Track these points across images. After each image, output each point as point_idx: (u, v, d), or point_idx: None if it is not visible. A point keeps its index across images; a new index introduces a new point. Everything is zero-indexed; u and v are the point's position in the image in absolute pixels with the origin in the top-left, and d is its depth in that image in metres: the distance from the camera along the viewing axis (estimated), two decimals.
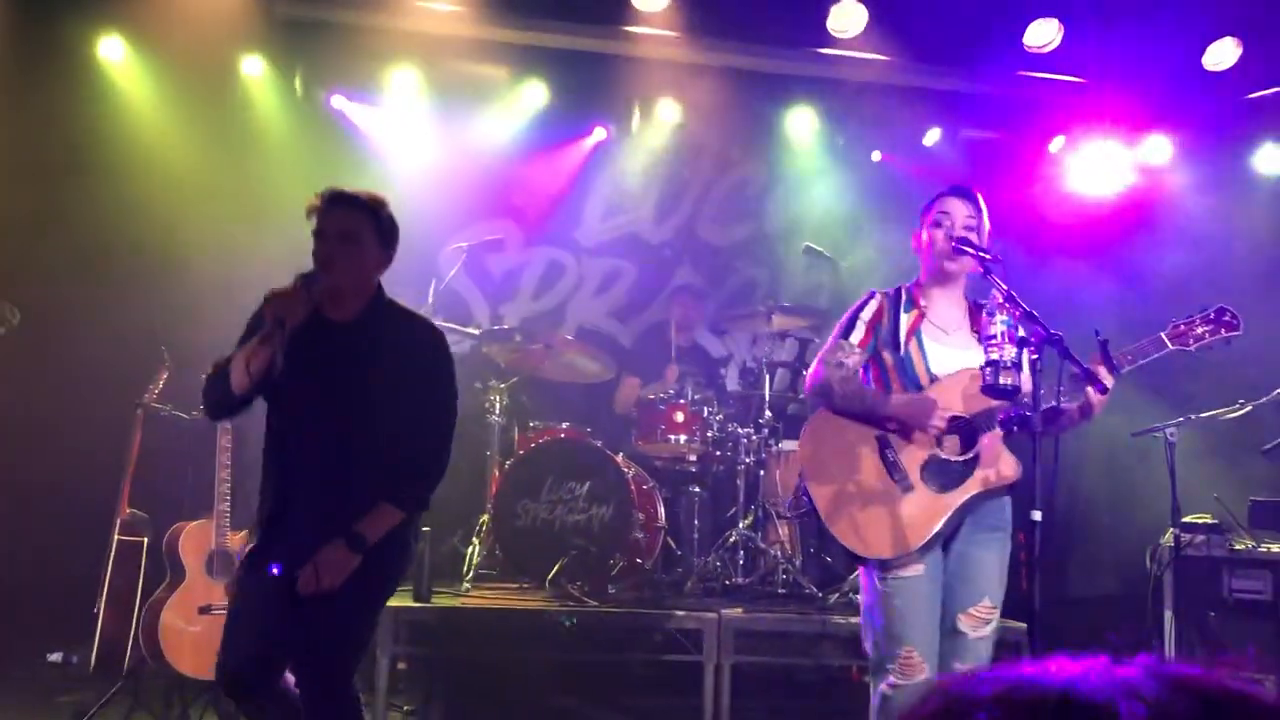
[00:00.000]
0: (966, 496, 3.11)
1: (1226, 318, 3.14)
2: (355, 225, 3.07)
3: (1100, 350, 3.05)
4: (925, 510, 3.11)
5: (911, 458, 3.14)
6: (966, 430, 3.14)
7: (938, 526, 3.10)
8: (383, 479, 3.06)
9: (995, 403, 3.06)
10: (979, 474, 3.12)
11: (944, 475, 3.13)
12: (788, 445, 5.92)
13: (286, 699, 3.11)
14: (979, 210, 3.29)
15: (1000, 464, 3.12)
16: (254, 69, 6.48)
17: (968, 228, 3.24)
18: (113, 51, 6.21)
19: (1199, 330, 3.14)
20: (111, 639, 4.75)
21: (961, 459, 3.13)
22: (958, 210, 3.27)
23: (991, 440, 3.13)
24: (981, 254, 3.10)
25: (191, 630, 4.59)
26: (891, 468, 3.15)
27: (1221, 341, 3.13)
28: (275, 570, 3.03)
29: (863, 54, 6.64)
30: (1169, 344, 3.14)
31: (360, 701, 3.13)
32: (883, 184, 7.38)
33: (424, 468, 3.15)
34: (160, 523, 4.86)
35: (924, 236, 3.33)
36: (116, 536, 4.84)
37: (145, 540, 4.88)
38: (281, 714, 3.11)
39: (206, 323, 5.85)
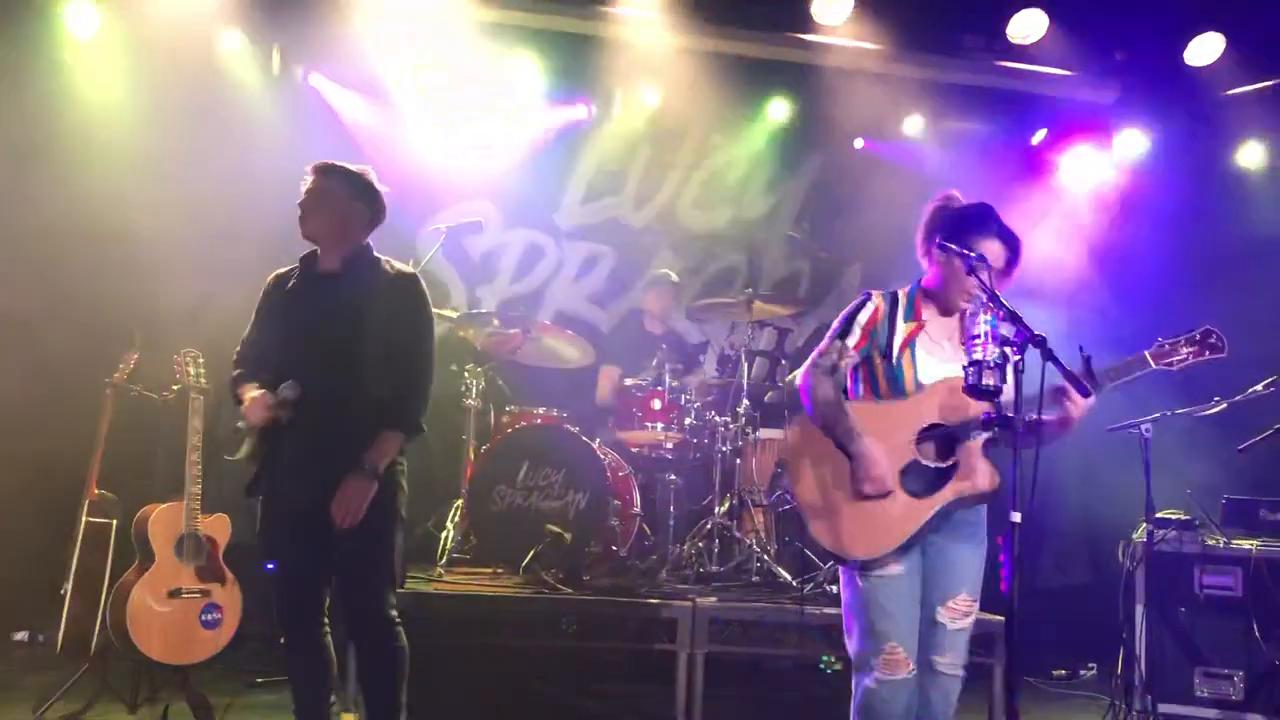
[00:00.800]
0: (943, 503, 3.12)
1: (1212, 340, 3.12)
2: (326, 184, 3.57)
3: (1083, 366, 3.04)
4: (902, 514, 3.12)
5: (892, 462, 3.14)
6: (946, 439, 3.15)
7: (914, 530, 3.11)
8: (372, 411, 3.46)
9: (975, 413, 3.05)
10: (956, 482, 3.12)
11: (922, 481, 3.13)
12: (765, 433, 5.91)
13: (323, 653, 3.60)
14: (1017, 261, 3.22)
15: (977, 474, 3.12)
16: (232, 44, 6.38)
17: (1002, 275, 3.17)
18: (81, 22, 6.07)
19: (1183, 351, 3.11)
20: (79, 620, 4.67)
21: (940, 466, 3.13)
22: (996, 255, 3.15)
23: (971, 450, 3.13)
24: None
25: (160, 613, 4.53)
26: None
27: (1205, 363, 3.12)
28: (270, 568, 3.49)
29: (846, 41, 6.62)
30: (1152, 363, 3.12)
31: (398, 622, 3.56)
32: (864, 172, 7.37)
33: (412, 392, 3.54)
34: (130, 504, 4.78)
35: (951, 267, 3.19)
36: (84, 518, 4.76)
37: (114, 522, 4.80)
38: (319, 665, 3.60)
39: (177, 302, 5.81)
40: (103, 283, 5.63)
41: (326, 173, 3.60)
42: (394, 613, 3.57)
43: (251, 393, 3.49)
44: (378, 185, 3.66)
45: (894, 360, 3.22)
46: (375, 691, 3.61)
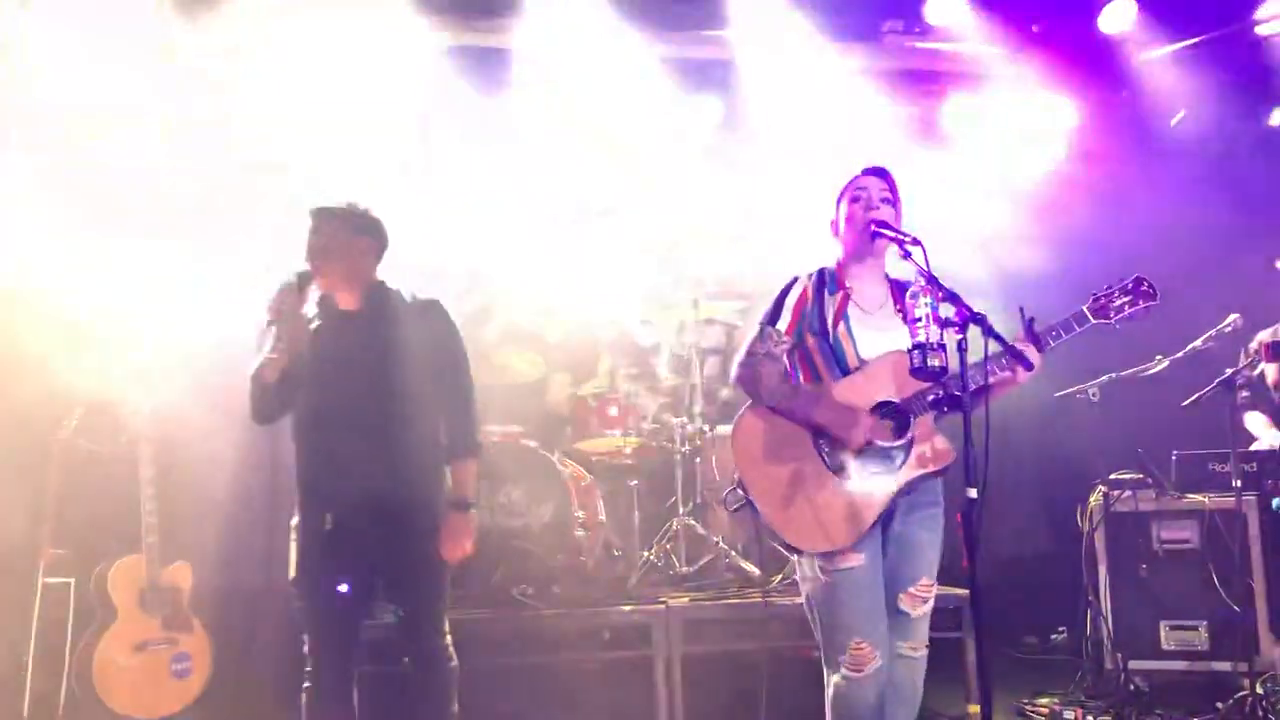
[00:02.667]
0: (902, 482, 3.11)
1: (1144, 288, 3.17)
2: (331, 232, 3.55)
3: (1025, 328, 3.07)
4: (861, 500, 3.10)
5: (852, 439, 3.11)
6: (899, 415, 3.14)
7: (875, 516, 3.09)
8: (427, 443, 3.59)
9: (924, 385, 3.07)
10: (914, 457, 3.12)
11: (879, 462, 3.12)
12: (723, 430, 5.92)
13: (352, 704, 3.65)
14: (894, 189, 3.30)
15: (934, 447, 3.13)
16: None
17: (884, 200, 3.25)
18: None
19: (1118, 302, 3.16)
20: (43, 687, 4.59)
21: (896, 444, 3.12)
22: (873, 187, 3.27)
23: (924, 423, 3.13)
24: (900, 236, 3.09)
25: (127, 667, 4.47)
26: (826, 458, 3.14)
27: (1141, 311, 3.16)
28: (346, 588, 3.47)
29: (769, 35, 6.65)
30: (1091, 318, 3.17)
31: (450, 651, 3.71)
32: (797, 162, 7.41)
33: (467, 415, 3.71)
34: (86, 561, 4.70)
35: (842, 214, 3.32)
36: (42, 579, 4.68)
37: (72, 580, 4.72)
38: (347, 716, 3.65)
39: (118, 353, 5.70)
40: (45, 332, 5.51)
41: (328, 218, 3.58)
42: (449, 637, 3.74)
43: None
44: (375, 214, 3.68)
45: (830, 337, 3.21)
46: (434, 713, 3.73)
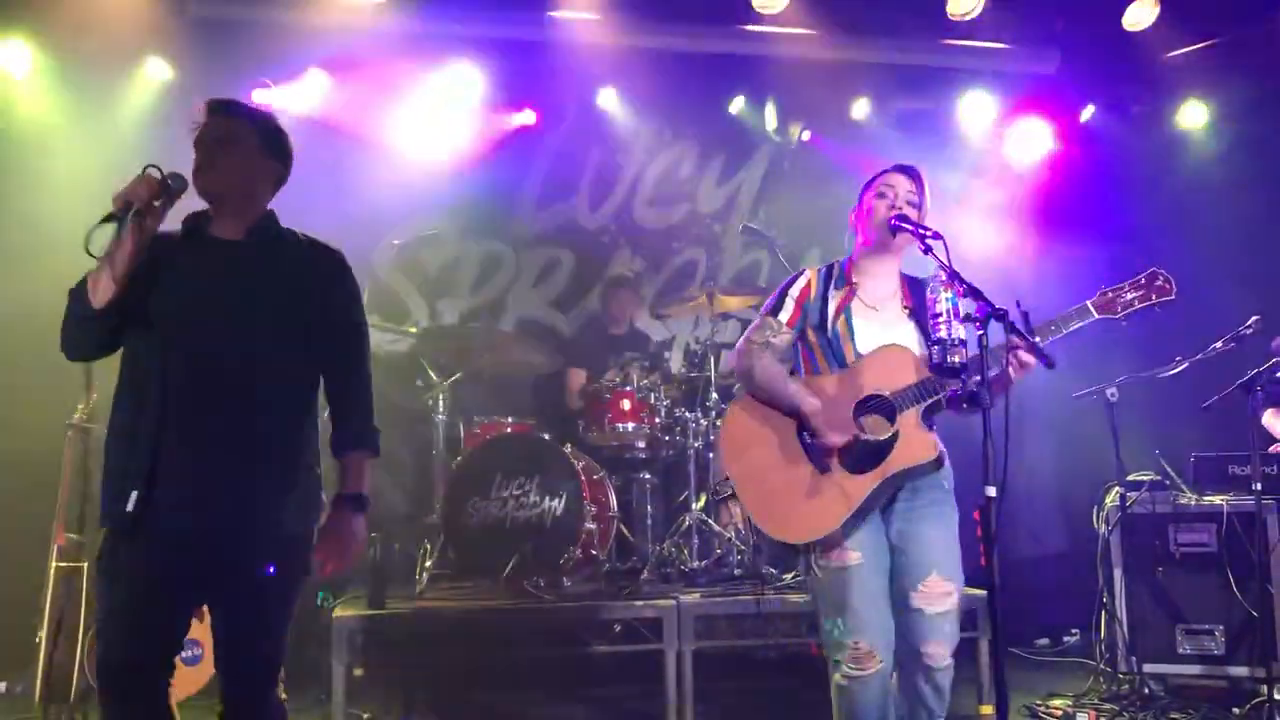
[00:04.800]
0: (884, 477, 3.04)
1: (1159, 282, 3.07)
2: (234, 129, 2.81)
3: (1022, 322, 2.95)
4: (840, 492, 3.04)
5: (830, 439, 3.07)
6: (885, 409, 3.08)
7: (854, 508, 3.02)
8: (300, 410, 2.79)
9: (911, 380, 3.03)
10: (898, 453, 3.05)
11: (862, 456, 3.05)
12: None
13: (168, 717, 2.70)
14: (921, 188, 3.26)
15: (917, 444, 3.06)
16: (160, 72, 6.29)
17: (910, 203, 3.21)
18: (14, 57, 6.03)
19: (1128, 296, 3.06)
20: (56, 668, 4.61)
21: (880, 438, 3.05)
22: (900, 185, 3.24)
23: (910, 418, 3.06)
24: (921, 230, 3.06)
25: None
26: (809, 449, 3.09)
27: (1153, 308, 3.05)
28: (271, 571, 2.66)
29: (788, 29, 6.64)
30: (1094, 313, 3.07)
31: (284, 705, 2.89)
32: (814, 160, 7.40)
33: (367, 401, 2.92)
34: (98, 547, 4.71)
35: (865, 207, 3.28)
36: (54, 563, 4.70)
37: (85, 565, 4.73)
38: None
39: None
40: (53, 319, 5.52)
41: (232, 113, 2.82)
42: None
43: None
44: (289, 138, 2.94)
45: (829, 331, 3.18)
46: None
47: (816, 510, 3.03)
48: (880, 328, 3.17)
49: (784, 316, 3.22)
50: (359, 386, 2.91)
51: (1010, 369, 2.98)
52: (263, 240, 2.83)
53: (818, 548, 3.09)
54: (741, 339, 3.25)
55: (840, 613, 3.04)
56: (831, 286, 3.25)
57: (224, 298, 2.70)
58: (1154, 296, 3.06)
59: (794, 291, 3.25)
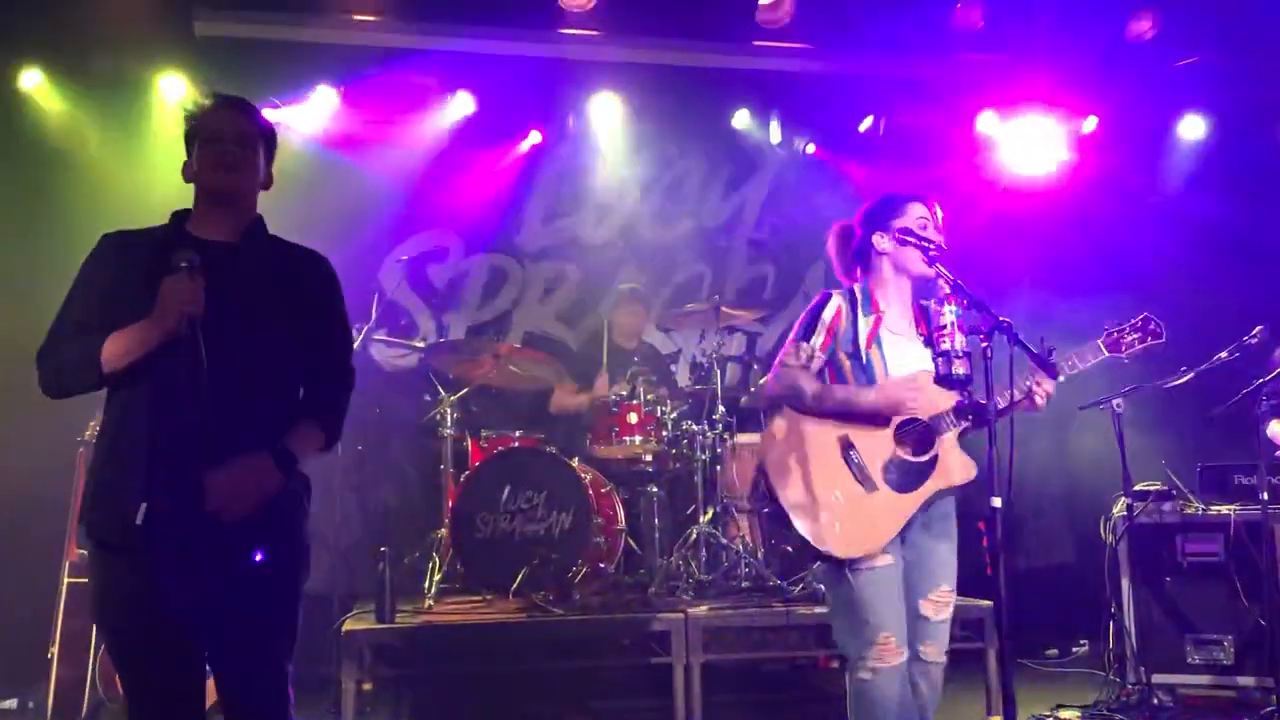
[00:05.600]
0: (927, 496, 3.17)
1: (1151, 326, 3.31)
2: (248, 129, 2.72)
3: (1044, 356, 3.12)
4: (888, 510, 3.16)
5: (873, 459, 3.18)
6: (924, 431, 3.20)
7: (901, 525, 3.16)
8: (289, 413, 2.68)
9: (947, 404, 3.12)
10: (938, 474, 3.18)
11: (905, 475, 3.18)
12: (743, 438, 5.93)
13: None
14: (933, 217, 3.35)
15: (957, 465, 3.19)
16: (173, 89, 6.35)
17: (938, 229, 3.32)
18: (31, 82, 6.15)
19: (1129, 338, 3.31)
20: (67, 683, 4.64)
21: (921, 459, 3.18)
22: (912, 215, 3.31)
23: (947, 442, 3.19)
24: (925, 244, 3.11)
25: None
26: (855, 469, 3.19)
27: (1148, 349, 3.32)
28: (259, 557, 2.52)
29: (792, 44, 6.67)
30: (1105, 351, 3.31)
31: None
32: (819, 173, 7.44)
33: (338, 397, 2.81)
34: None
35: (892, 241, 3.30)
36: (66, 579, 4.73)
37: None
38: None
39: None
40: None
41: (246, 111, 2.75)
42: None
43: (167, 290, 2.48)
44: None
45: (863, 358, 3.25)
46: None
47: (862, 528, 3.16)
48: (906, 353, 3.28)
49: (816, 341, 3.29)
50: (338, 387, 2.82)
51: (1037, 397, 3.17)
52: (257, 243, 2.76)
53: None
54: (776, 364, 3.34)
55: (869, 611, 3.15)
56: (860, 312, 3.31)
57: (226, 300, 2.56)
58: (1148, 340, 3.32)
59: (826, 317, 3.31)
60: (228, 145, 2.65)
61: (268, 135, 2.79)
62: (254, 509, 2.49)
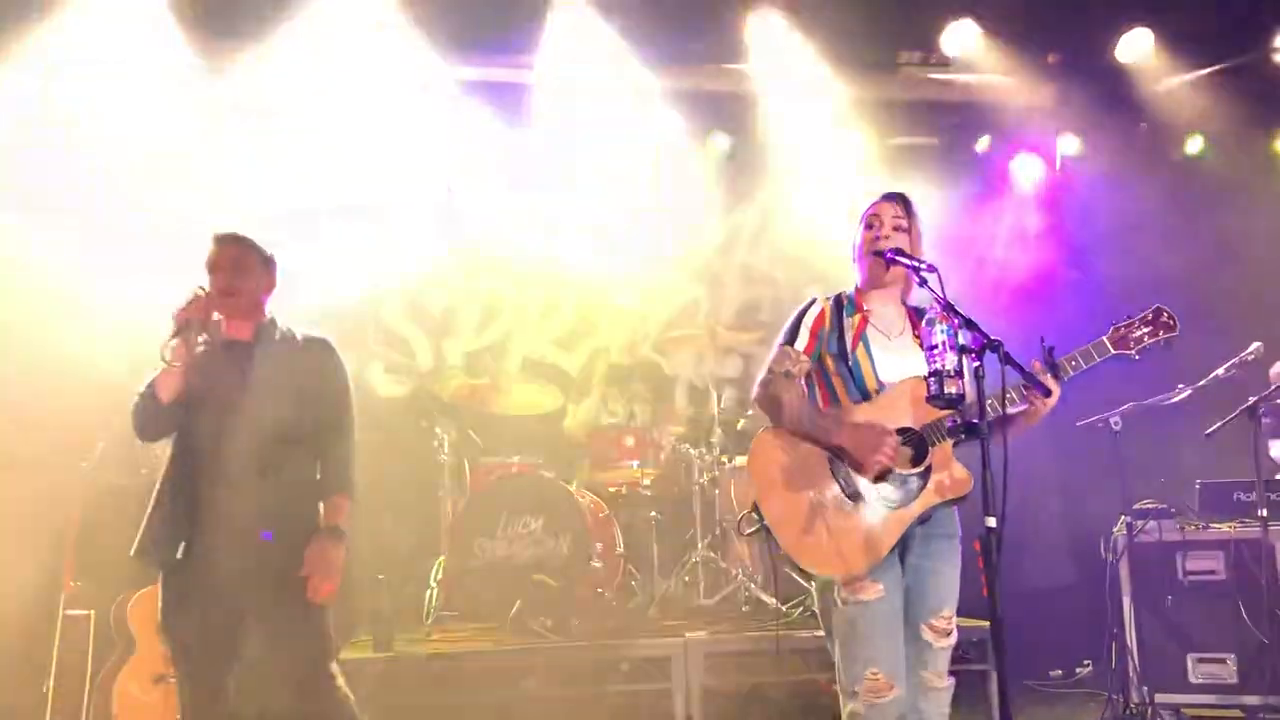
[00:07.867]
0: (920, 510, 3.08)
1: (1164, 318, 3.12)
2: (242, 255, 3.53)
3: (1046, 357, 3.03)
4: (879, 527, 3.06)
5: (864, 472, 3.08)
6: (917, 442, 3.11)
7: (891, 543, 3.05)
8: (304, 484, 3.47)
9: (943, 412, 3.05)
10: (932, 486, 3.08)
11: (897, 489, 3.09)
12: (741, 461, 5.91)
13: None
14: (910, 214, 3.28)
15: (952, 476, 3.09)
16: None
17: (897, 229, 3.23)
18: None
19: (1138, 333, 3.12)
20: (64, 716, 4.60)
21: (914, 472, 3.09)
22: (886, 213, 3.27)
23: (943, 451, 3.10)
24: (915, 264, 3.09)
25: (146, 700, 4.47)
26: (844, 483, 3.10)
27: (1162, 342, 3.11)
28: (267, 535, 3.33)
29: (782, 64, 6.70)
30: (1111, 348, 3.12)
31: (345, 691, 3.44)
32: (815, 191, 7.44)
33: (347, 453, 3.57)
34: (107, 593, 4.72)
35: (857, 240, 3.32)
36: (63, 611, 4.71)
37: (92, 613, 4.74)
38: None
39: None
40: (68, 369, 5.57)
41: (240, 243, 3.54)
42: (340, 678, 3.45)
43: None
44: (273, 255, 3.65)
45: (849, 359, 3.19)
46: None
47: (854, 545, 3.03)
48: (898, 357, 3.19)
49: (800, 345, 3.23)
50: (342, 452, 3.57)
51: (1033, 412, 3.06)
52: (268, 340, 3.54)
53: (843, 581, 3.09)
54: (763, 370, 3.26)
55: (860, 646, 3.05)
56: (844, 314, 3.27)
57: (241, 387, 3.40)
58: (1161, 332, 3.11)
59: (808, 320, 3.26)
60: (226, 274, 3.47)
61: (261, 252, 3.56)
62: (338, 579, 3.39)
